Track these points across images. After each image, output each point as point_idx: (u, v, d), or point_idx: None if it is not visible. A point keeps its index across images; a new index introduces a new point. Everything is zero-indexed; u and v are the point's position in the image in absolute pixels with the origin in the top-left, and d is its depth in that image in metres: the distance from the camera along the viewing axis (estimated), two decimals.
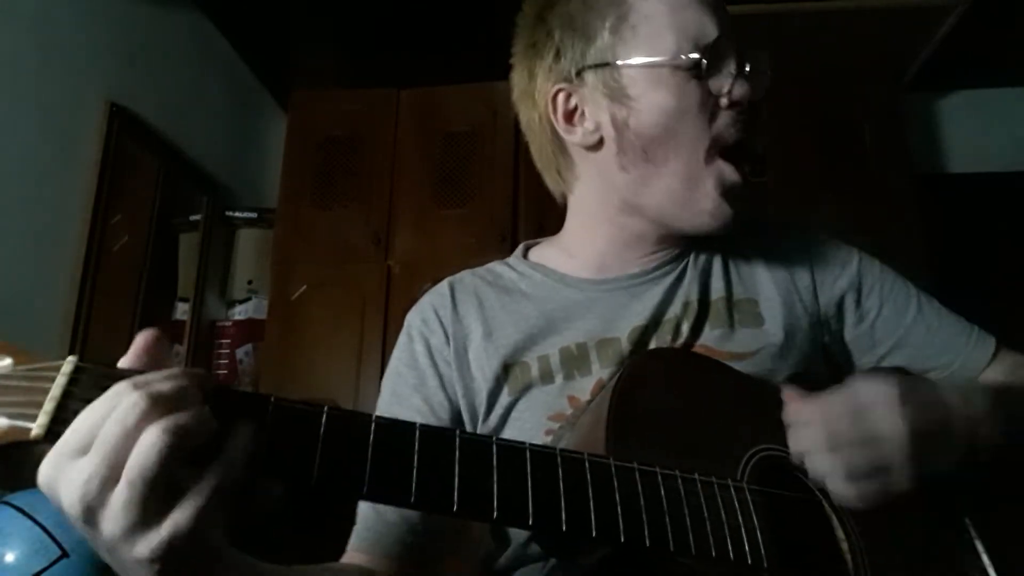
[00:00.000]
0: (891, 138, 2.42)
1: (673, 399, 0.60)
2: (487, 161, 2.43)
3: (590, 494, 0.48)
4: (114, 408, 0.39)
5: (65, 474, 0.39)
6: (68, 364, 0.43)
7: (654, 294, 0.75)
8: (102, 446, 0.38)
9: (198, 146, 2.35)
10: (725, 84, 0.70)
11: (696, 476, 0.53)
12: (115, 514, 0.38)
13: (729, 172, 0.71)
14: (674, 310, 0.74)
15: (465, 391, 0.74)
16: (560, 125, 0.76)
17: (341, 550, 0.71)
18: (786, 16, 2.24)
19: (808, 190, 2.34)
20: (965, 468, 0.59)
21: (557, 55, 0.75)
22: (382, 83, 2.56)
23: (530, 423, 0.71)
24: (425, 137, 2.50)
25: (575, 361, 0.72)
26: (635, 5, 0.71)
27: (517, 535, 0.70)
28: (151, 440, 0.38)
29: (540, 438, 0.69)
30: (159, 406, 0.39)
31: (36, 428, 0.40)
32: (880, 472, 0.54)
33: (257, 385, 2.34)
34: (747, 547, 0.51)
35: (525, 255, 0.86)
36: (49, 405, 0.41)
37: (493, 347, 0.75)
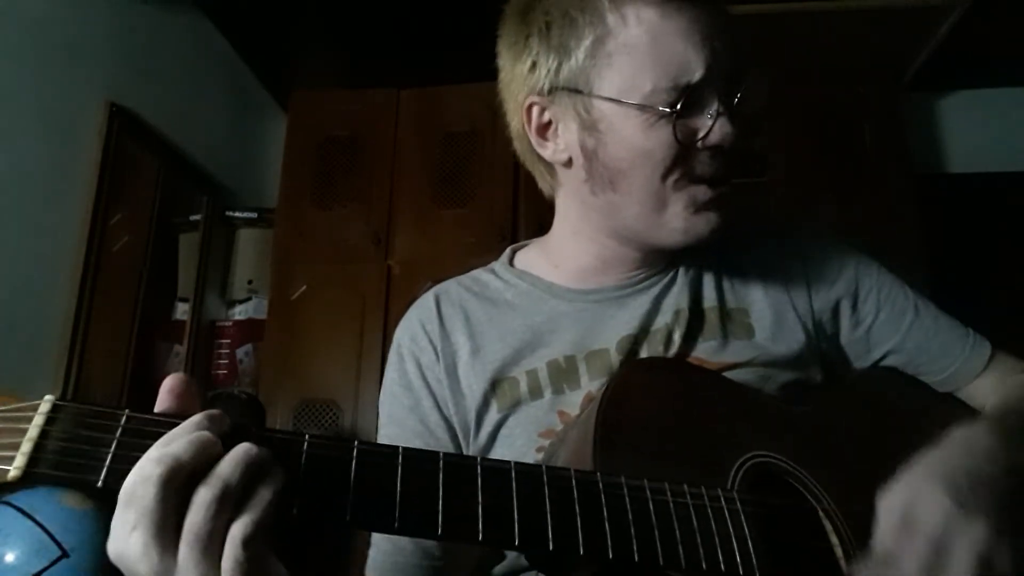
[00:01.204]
0: (891, 138, 2.42)
1: (661, 409, 0.60)
2: (487, 161, 2.43)
3: (577, 511, 0.47)
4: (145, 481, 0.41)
5: (128, 548, 0.41)
6: (45, 404, 0.43)
7: (641, 303, 0.74)
8: (144, 519, 0.40)
9: (198, 146, 2.35)
10: (702, 128, 0.65)
11: (685, 488, 0.52)
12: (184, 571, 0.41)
13: (701, 193, 0.68)
14: (664, 319, 0.73)
15: (457, 408, 0.73)
16: (533, 137, 0.73)
17: (338, 567, 0.71)
18: (786, 16, 2.24)
19: (808, 190, 2.34)
20: None
21: (533, 66, 0.71)
22: (382, 83, 2.56)
23: (521, 440, 0.70)
24: (425, 137, 2.50)
25: (564, 375, 0.71)
26: (615, 30, 0.66)
27: None
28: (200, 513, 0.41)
29: (531, 455, 0.68)
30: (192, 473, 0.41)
31: (13, 470, 0.41)
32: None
33: (257, 385, 2.34)
34: (738, 557, 0.51)
35: (511, 260, 0.84)
36: (26, 446, 0.41)
37: (481, 364, 0.73)
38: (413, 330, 0.78)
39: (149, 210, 2.15)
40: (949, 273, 2.21)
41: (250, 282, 2.51)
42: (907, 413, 0.76)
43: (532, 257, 0.83)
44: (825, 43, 2.35)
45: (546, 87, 0.70)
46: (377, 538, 0.70)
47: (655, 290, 0.75)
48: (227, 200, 2.53)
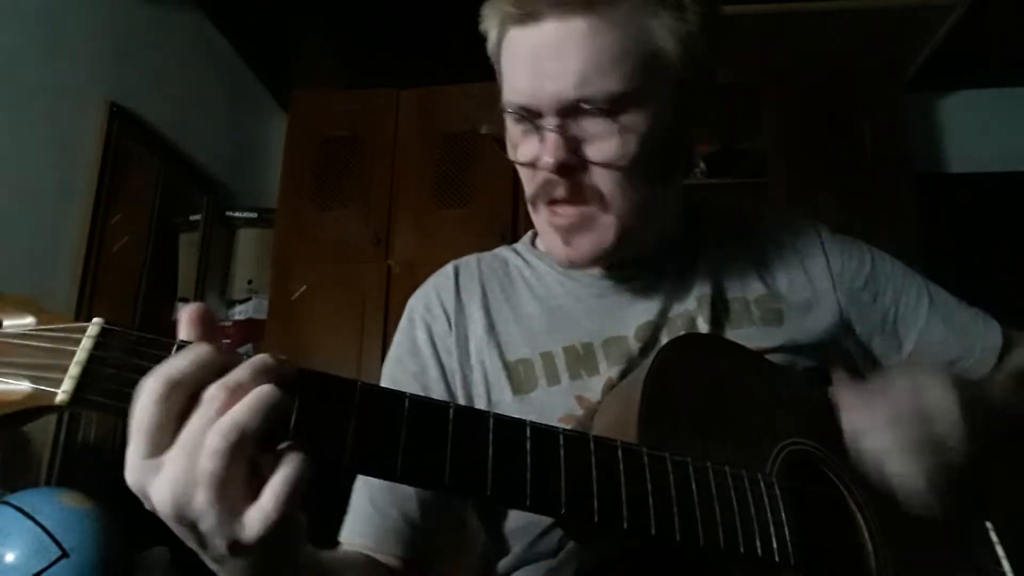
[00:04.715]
0: (891, 138, 2.42)
1: (706, 388, 0.59)
2: (487, 161, 2.43)
3: (622, 484, 0.47)
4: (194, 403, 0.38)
5: (152, 477, 0.38)
6: (94, 326, 0.40)
7: (660, 290, 0.74)
8: (139, 434, 0.38)
9: (198, 146, 2.35)
10: (532, 148, 0.65)
11: (727, 470, 0.52)
12: (203, 507, 0.38)
13: (543, 217, 0.68)
14: (685, 306, 0.73)
15: (464, 382, 0.72)
16: None
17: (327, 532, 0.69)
18: (786, 16, 2.24)
19: (808, 190, 2.34)
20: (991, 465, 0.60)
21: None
22: (382, 83, 2.57)
23: None
24: (425, 137, 2.50)
25: (581, 361, 0.71)
26: (491, 47, 0.69)
27: (519, 537, 0.70)
28: (228, 421, 0.38)
29: None
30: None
31: (61, 394, 0.38)
32: (938, 448, 0.56)
33: None
34: (775, 544, 0.51)
35: (533, 242, 0.84)
36: (75, 369, 0.38)
37: (495, 342, 0.73)
38: (428, 298, 0.77)
39: (149, 210, 2.15)
40: (949, 273, 2.20)
41: (250, 282, 2.51)
42: None
43: None
44: (825, 43, 2.35)
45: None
46: (360, 508, 0.69)
47: (673, 277, 0.75)
48: (227, 200, 2.53)
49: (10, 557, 1.18)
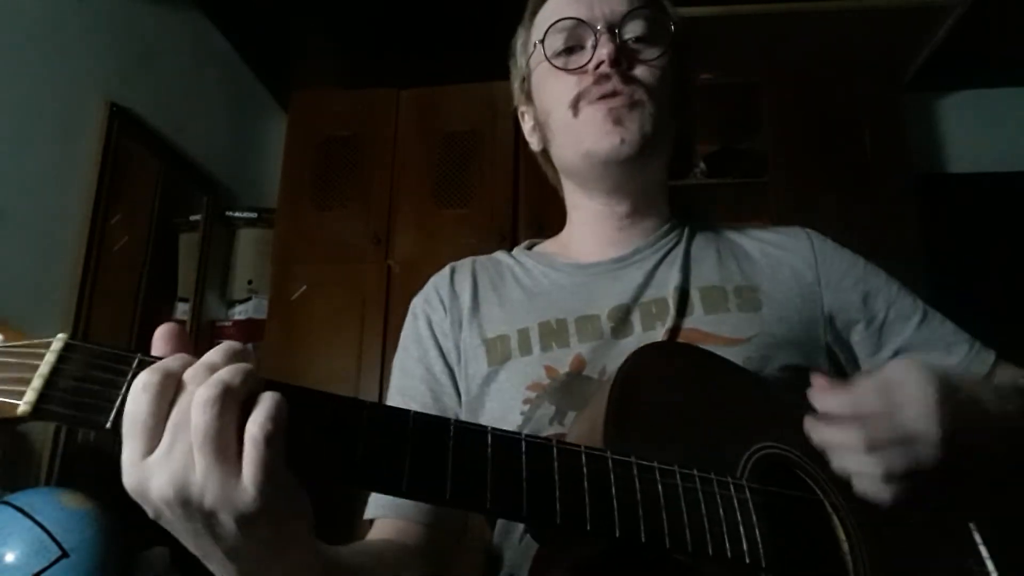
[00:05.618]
0: (891, 138, 2.41)
1: (675, 394, 0.60)
2: (487, 161, 2.43)
3: (585, 487, 0.47)
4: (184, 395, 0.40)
5: (150, 471, 0.39)
6: (57, 341, 0.43)
7: (634, 276, 0.78)
8: (139, 432, 0.39)
9: (198, 146, 2.35)
10: (587, 56, 0.76)
11: (695, 472, 0.52)
12: (203, 474, 0.39)
13: (587, 115, 0.76)
14: (657, 291, 0.76)
15: (459, 358, 0.79)
16: (528, 138, 0.88)
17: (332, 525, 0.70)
18: (786, 16, 2.24)
19: (808, 190, 2.34)
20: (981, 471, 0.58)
21: (515, 81, 0.88)
22: (382, 83, 2.57)
23: (509, 392, 0.73)
24: (425, 137, 2.50)
25: (554, 334, 0.75)
26: (528, 18, 0.84)
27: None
28: (200, 398, 0.39)
29: (519, 406, 0.72)
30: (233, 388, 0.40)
31: (23, 405, 0.40)
32: (914, 474, 0.53)
33: None
34: (745, 546, 0.50)
35: (529, 249, 0.90)
36: (37, 382, 0.41)
37: (477, 322, 0.80)
38: (428, 294, 0.86)
39: (149, 210, 2.16)
40: (949, 273, 2.21)
41: (250, 282, 2.51)
42: None
43: (547, 245, 0.91)
44: (825, 43, 2.35)
45: (517, 90, 0.87)
46: None
47: (648, 264, 0.79)
48: (227, 200, 2.53)
49: (10, 557, 1.18)
